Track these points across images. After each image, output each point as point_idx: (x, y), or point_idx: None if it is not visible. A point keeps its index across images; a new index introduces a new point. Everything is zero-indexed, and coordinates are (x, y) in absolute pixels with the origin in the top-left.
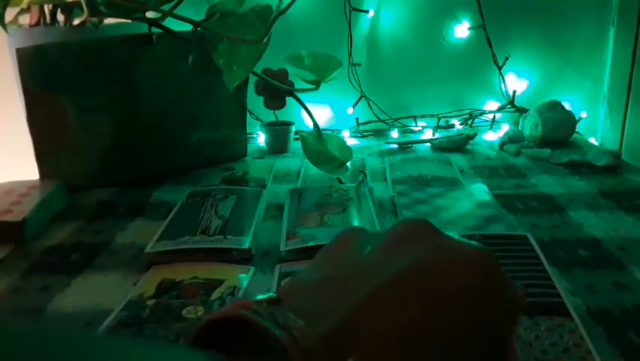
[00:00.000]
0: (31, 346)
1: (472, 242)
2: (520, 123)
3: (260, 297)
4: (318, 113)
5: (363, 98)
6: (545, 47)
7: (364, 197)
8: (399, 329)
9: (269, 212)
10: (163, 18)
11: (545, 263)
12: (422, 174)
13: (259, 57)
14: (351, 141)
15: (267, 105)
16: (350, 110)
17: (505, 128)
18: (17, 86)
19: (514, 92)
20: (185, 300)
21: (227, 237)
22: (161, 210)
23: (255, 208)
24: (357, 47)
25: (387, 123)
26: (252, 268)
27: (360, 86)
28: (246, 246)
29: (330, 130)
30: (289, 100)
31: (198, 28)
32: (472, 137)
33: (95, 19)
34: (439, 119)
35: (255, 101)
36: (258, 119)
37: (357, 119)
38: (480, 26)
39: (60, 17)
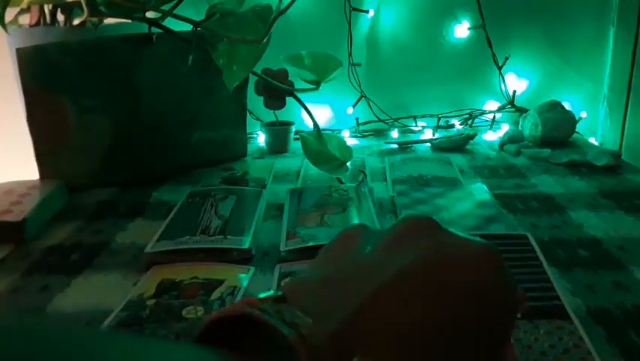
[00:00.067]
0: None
1: (478, 238)
2: (520, 123)
3: (265, 295)
4: (318, 113)
5: (363, 98)
6: (545, 47)
7: (364, 197)
8: (401, 327)
9: (269, 212)
10: (163, 18)
11: (545, 264)
12: (422, 174)
13: (259, 57)
14: (351, 141)
15: (267, 105)
16: (350, 110)
17: (505, 128)
18: (17, 86)
19: (514, 92)
20: (185, 300)
21: (227, 237)
22: (161, 210)
23: (255, 208)
24: (357, 47)
25: (387, 123)
26: (252, 268)
27: (360, 86)
28: (246, 246)
29: (330, 130)
30: (289, 100)
31: (198, 28)
32: (472, 137)
33: (95, 19)
34: (439, 119)
35: (255, 101)
36: (258, 119)
37: (357, 119)
38: (480, 26)
39: (60, 17)
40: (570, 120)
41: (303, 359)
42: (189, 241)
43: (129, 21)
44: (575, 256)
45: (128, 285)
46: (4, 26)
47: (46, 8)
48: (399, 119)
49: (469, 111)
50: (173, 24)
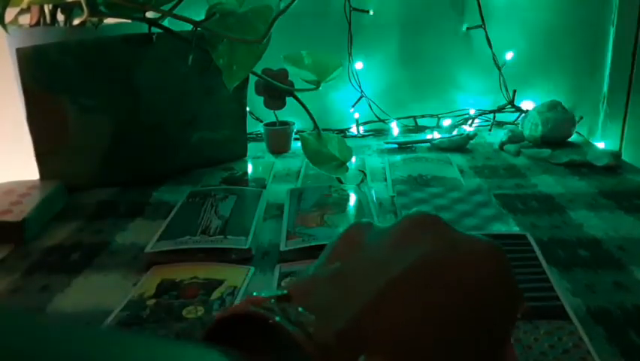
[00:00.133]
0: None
1: (483, 236)
2: (520, 123)
3: (270, 294)
4: (318, 113)
5: (363, 98)
6: (545, 47)
7: (364, 197)
8: (407, 326)
9: (269, 212)
10: (163, 18)
11: (544, 264)
12: (422, 174)
13: (259, 57)
14: (351, 141)
15: (267, 105)
16: (350, 110)
17: (505, 128)
18: (17, 86)
19: (514, 92)
20: (185, 300)
21: (228, 237)
22: (161, 210)
23: (255, 208)
24: (357, 47)
25: (387, 123)
26: (252, 268)
27: (360, 86)
28: (246, 246)
29: (331, 130)
30: (289, 100)
31: (198, 28)
32: (472, 137)
33: (95, 19)
34: (439, 119)
35: (255, 101)
36: (258, 119)
37: (357, 119)
38: (480, 26)
39: (60, 17)
40: (570, 120)
41: (313, 357)
42: (189, 241)
43: (129, 21)
44: (575, 256)
45: (128, 285)
46: (4, 26)
47: (46, 8)
48: (399, 119)
49: (469, 111)
50: (173, 24)
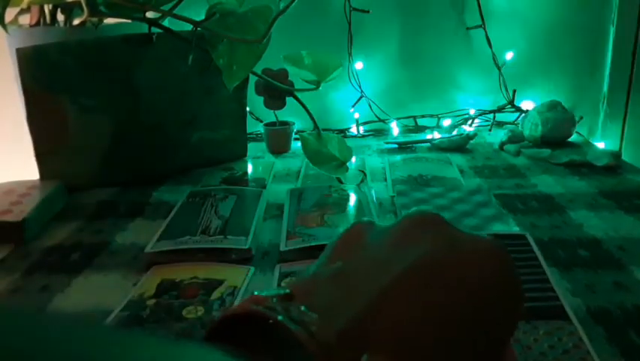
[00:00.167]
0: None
1: (484, 235)
2: (520, 123)
3: (272, 293)
4: (318, 113)
5: (363, 98)
6: (545, 47)
7: (364, 197)
8: (409, 325)
9: (269, 212)
10: (163, 18)
11: (544, 264)
12: (422, 174)
13: (259, 57)
14: (351, 141)
15: (267, 105)
16: (350, 110)
17: (505, 128)
18: (17, 86)
19: (514, 92)
20: (185, 300)
21: (228, 237)
22: (161, 210)
23: (255, 208)
24: (357, 47)
25: (387, 123)
26: (252, 268)
27: (360, 86)
28: (246, 246)
29: (331, 130)
30: (289, 100)
31: (198, 28)
32: (472, 137)
33: (95, 19)
34: (439, 119)
35: (255, 101)
36: (258, 119)
37: (357, 119)
38: (480, 26)
39: (60, 17)
40: (570, 120)
41: (316, 356)
42: (189, 241)
43: (129, 21)
44: (575, 256)
45: (128, 285)
46: (4, 26)
47: (46, 8)
48: (399, 119)
49: (469, 111)
50: (173, 24)
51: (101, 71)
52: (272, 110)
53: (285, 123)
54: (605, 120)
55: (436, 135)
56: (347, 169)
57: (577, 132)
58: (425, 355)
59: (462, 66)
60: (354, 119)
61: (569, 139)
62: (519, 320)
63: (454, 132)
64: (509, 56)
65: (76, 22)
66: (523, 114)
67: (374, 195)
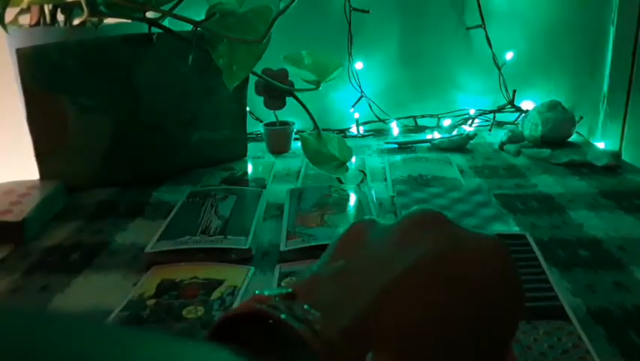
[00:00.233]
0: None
1: (487, 233)
2: (520, 123)
3: (275, 292)
4: (318, 113)
5: (363, 98)
6: (545, 47)
7: (364, 197)
8: (411, 324)
9: (269, 212)
10: (163, 18)
11: (544, 264)
12: (422, 174)
13: (259, 57)
14: (351, 141)
15: (267, 105)
16: (350, 110)
17: (505, 128)
18: (17, 86)
19: (514, 92)
20: (185, 300)
21: (228, 237)
22: (161, 210)
23: (255, 208)
24: (357, 47)
25: (387, 123)
26: (252, 268)
27: (360, 86)
28: (246, 246)
29: (331, 130)
30: (289, 100)
31: (198, 29)
32: (472, 137)
33: (95, 19)
34: (439, 119)
35: (255, 101)
36: (258, 119)
37: (357, 119)
38: (480, 26)
39: (60, 17)
40: (570, 120)
41: (320, 354)
42: (189, 241)
43: (129, 21)
44: (575, 256)
45: (128, 285)
46: (4, 26)
47: (46, 8)
48: (399, 119)
49: (469, 111)
50: (173, 24)
51: (101, 71)
52: (272, 110)
53: (285, 123)
54: (605, 120)
55: (436, 135)
56: (347, 169)
57: (577, 132)
58: (425, 355)
59: (462, 66)
60: (354, 119)
61: (569, 139)
62: (520, 319)
63: (454, 132)
64: (509, 56)
65: (76, 22)
66: (523, 114)
67: (374, 195)
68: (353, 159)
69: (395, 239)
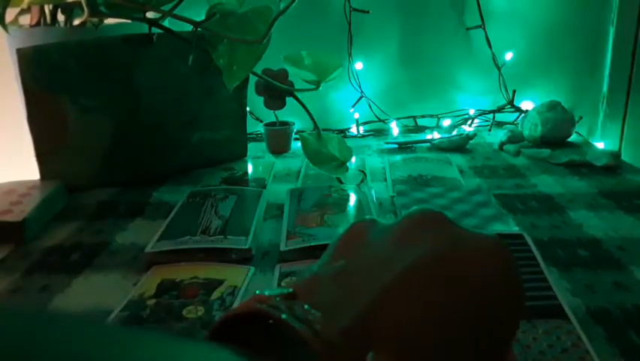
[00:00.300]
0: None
1: (487, 233)
2: (519, 123)
3: (275, 292)
4: (318, 113)
5: (363, 98)
6: (545, 47)
7: (364, 197)
8: (411, 323)
9: (269, 212)
10: (163, 18)
11: (542, 263)
12: (422, 174)
13: (259, 57)
14: (351, 141)
15: (267, 105)
16: (350, 110)
17: (504, 128)
18: (17, 86)
19: (514, 92)
20: (186, 300)
21: (228, 237)
22: (161, 210)
23: (255, 208)
24: (357, 47)
25: (387, 123)
26: (252, 268)
27: (360, 86)
28: (246, 246)
29: (331, 130)
30: (289, 100)
31: (198, 29)
32: (472, 137)
33: (95, 20)
34: (439, 119)
35: (255, 101)
36: (258, 119)
37: (357, 119)
38: (480, 26)
39: (60, 17)
40: (570, 120)
41: (321, 354)
42: (189, 241)
43: (129, 21)
44: (575, 256)
45: (128, 285)
46: (5, 26)
47: (47, 8)
48: (399, 119)
49: (469, 111)
50: (174, 24)
51: (101, 71)
52: (272, 110)
53: (285, 123)
54: (605, 120)
55: (436, 135)
56: (347, 169)
57: (576, 132)
58: (425, 355)
59: (462, 66)
60: (354, 119)
61: (569, 139)
62: (521, 319)
63: (454, 132)
64: (509, 56)
65: (76, 22)
66: (523, 114)
67: (374, 195)
68: (353, 159)
69: (395, 239)
